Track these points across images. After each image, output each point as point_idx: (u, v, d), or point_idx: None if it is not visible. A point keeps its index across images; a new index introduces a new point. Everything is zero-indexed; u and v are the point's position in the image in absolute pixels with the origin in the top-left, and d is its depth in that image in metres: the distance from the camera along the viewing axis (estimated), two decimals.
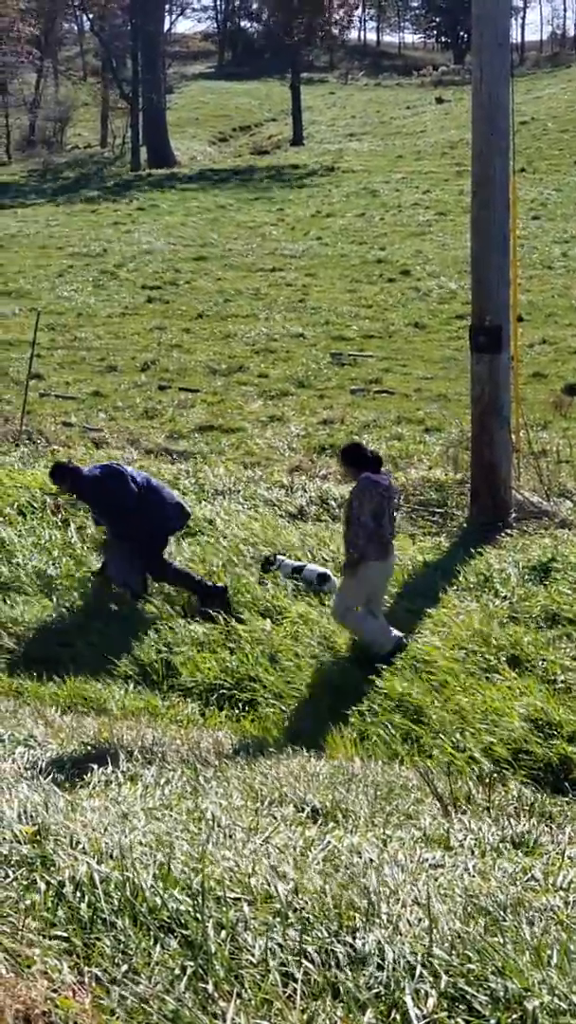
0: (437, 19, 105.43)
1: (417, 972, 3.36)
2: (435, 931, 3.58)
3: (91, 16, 64.64)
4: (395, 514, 10.25)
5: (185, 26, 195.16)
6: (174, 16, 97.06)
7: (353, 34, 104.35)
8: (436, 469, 15.09)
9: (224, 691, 9.63)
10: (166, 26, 66.81)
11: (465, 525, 13.52)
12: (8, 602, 11.29)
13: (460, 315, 24.79)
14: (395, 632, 10.06)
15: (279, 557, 11.89)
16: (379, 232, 34.50)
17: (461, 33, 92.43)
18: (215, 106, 74.50)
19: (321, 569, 11.68)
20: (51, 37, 71.60)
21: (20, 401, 18.37)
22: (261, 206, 40.40)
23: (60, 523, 13.01)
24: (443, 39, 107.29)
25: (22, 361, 20.94)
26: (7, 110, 62.03)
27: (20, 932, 3.38)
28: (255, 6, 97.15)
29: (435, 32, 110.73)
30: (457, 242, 32.14)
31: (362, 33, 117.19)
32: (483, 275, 13.14)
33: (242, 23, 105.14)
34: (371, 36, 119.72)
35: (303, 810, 5.50)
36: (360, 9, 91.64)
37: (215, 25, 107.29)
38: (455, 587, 11.60)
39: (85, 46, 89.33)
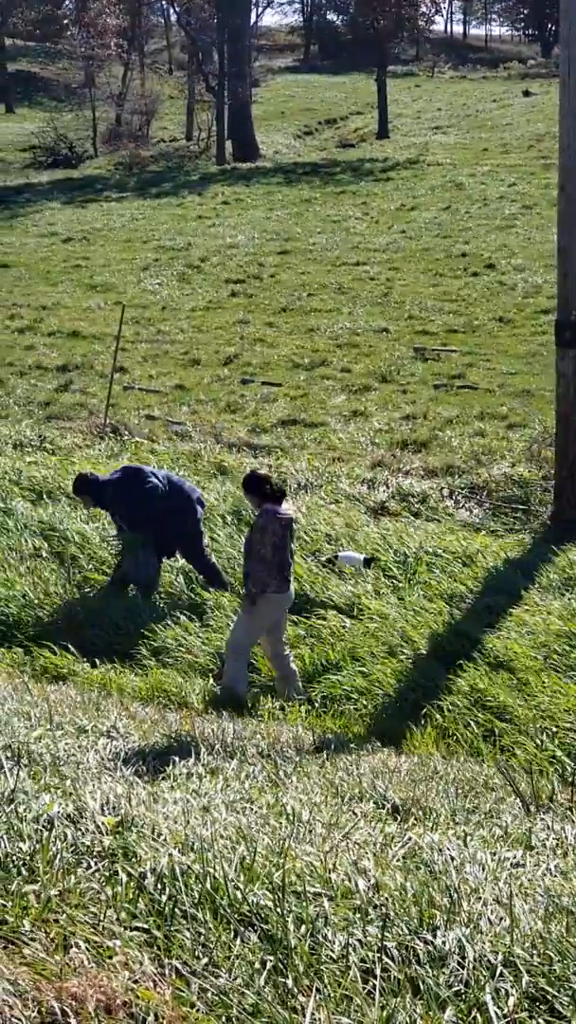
0: (524, 11, 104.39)
1: (498, 971, 3.34)
2: (516, 930, 3.56)
3: (178, 9, 64.89)
4: (293, 546, 9.96)
5: (272, 19, 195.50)
6: (260, 9, 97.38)
7: (440, 27, 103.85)
8: (519, 466, 14.99)
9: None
10: (252, 19, 66.87)
11: (548, 523, 13.43)
12: (92, 596, 11.40)
13: (545, 310, 24.55)
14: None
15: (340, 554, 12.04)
16: (464, 225, 34.26)
17: (549, 26, 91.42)
18: (301, 100, 74.40)
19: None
20: (138, 30, 71.96)
21: (105, 394, 18.51)
22: (345, 200, 40.27)
23: None
24: (530, 31, 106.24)
25: (107, 354, 21.09)
26: (94, 103, 62.33)
27: (102, 923, 3.41)
28: None
29: (522, 24, 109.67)
30: (543, 236, 31.82)
31: (449, 26, 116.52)
32: (570, 269, 13.03)
33: (328, 16, 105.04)
34: (458, 29, 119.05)
35: (383, 806, 5.50)
36: (447, 2, 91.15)
37: (301, 18, 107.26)
38: (537, 585, 11.53)
39: (172, 39, 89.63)
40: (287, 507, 9.81)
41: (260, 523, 9.69)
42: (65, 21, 75.60)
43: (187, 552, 11.74)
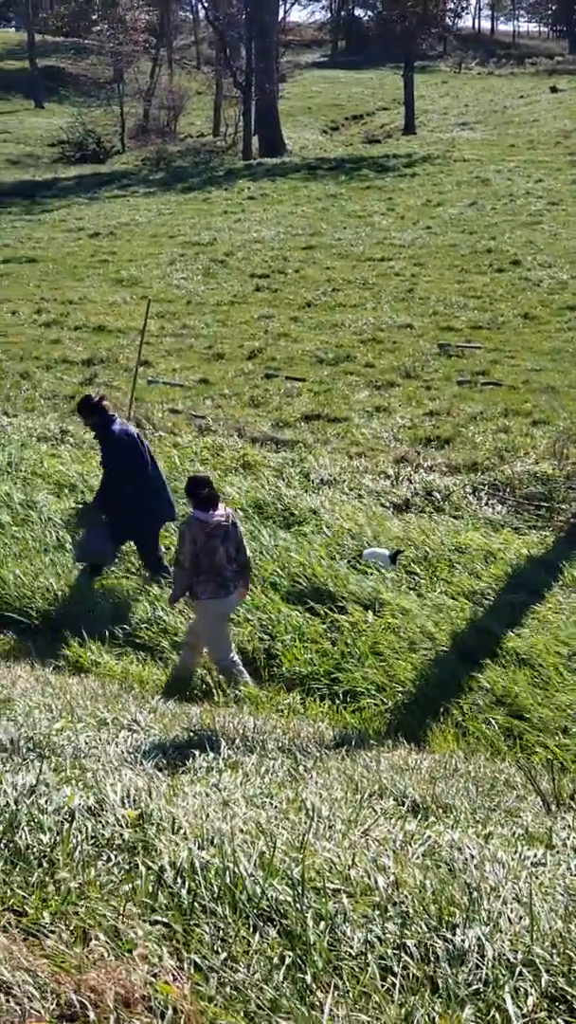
0: (552, 7, 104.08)
1: (517, 970, 3.34)
2: (536, 929, 3.56)
3: (206, 5, 64.94)
4: (232, 551, 9.71)
5: (299, 15, 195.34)
6: (288, 5, 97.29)
7: (467, 23, 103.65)
8: (543, 463, 14.92)
9: (325, 682, 9.64)
10: (280, 15, 66.79)
11: (572, 520, 13.38)
12: (114, 588, 11.43)
13: (571, 306, 24.49)
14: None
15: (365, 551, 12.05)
16: (489, 221, 34.14)
17: None
18: (327, 95, 74.33)
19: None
20: (166, 26, 72.01)
21: (129, 388, 18.53)
22: (371, 195, 40.21)
23: None
24: (558, 27, 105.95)
25: (131, 348, 21.11)
26: (122, 99, 62.44)
27: (121, 916, 3.41)
28: None
29: (550, 20, 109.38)
30: (569, 232, 31.75)
31: (476, 22, 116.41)
32: None
33: (355, 12, 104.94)
34: (485, 24, 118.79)
35: (403, 803, 5.49)
36: None
37: (329, 14, 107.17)
38: (560, 582, 11.49)
39: (200, 35, 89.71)
40: (219, 513, 9.67)
41: (180, 532, 9.76)
42: (94, 17, 75.68)
43: (142, 543, 11.86)
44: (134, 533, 11.77)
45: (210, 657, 9.88)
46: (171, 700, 9.13)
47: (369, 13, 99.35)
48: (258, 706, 8.96)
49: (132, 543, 11.92)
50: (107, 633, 10.49)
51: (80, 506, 12.81)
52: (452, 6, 66.06)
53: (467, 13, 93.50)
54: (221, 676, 9.66)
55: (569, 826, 5.31)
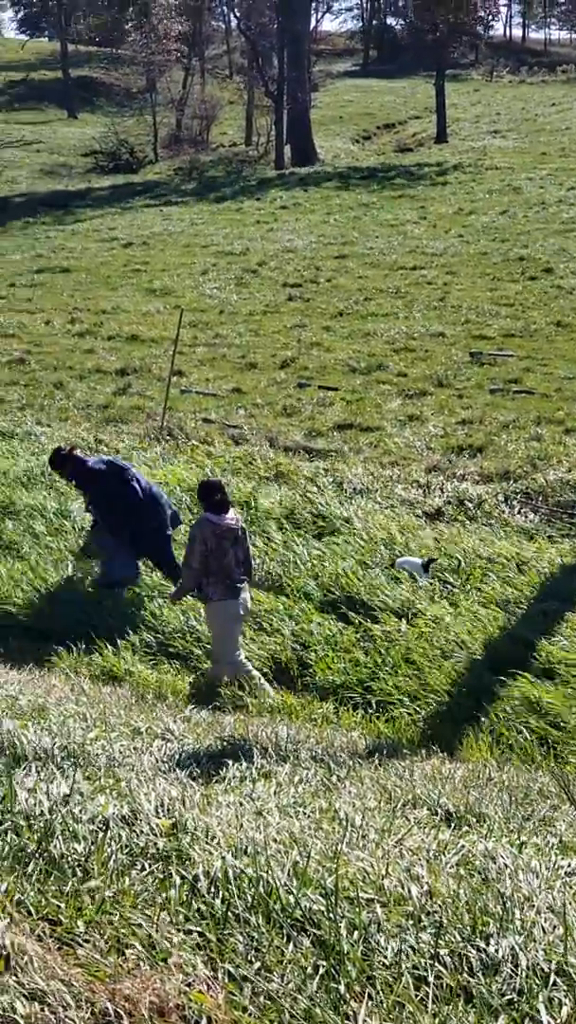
0: None
1: (551, 980, 3.33)
2: (570, 939, 3.55)
3: (238, 15, 65.14)
4: (240, 556, 9.96)
5: (331, 24, 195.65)
6: (320, 14, 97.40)
7: (499, 31, 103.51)
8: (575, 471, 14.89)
9: (358, 691, 9.64)
10: (312, 24, 66.97)
11: None
12: (148, 598, 11.45)
13: None
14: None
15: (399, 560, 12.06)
16: (522, 229, 34.09)
17: None
18: (359, 104, 74.43)
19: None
20: (199, 36, 72.27)
21: (162, 397, 18.60)
22: (403, 204, 40.23)
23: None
24: None
25: (164, 358, 21.20)
26: (155, 109, 62.73)
27: (155, 925, 3.43)
28: (401, 3, 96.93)
29: None
30: None
31: (507, 30, 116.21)
32: None
33: (387, 21, 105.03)
34: (516, 32, 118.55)
35: (437, 813, 5.48)
36: (508, 7, 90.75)
37: (360, 23, 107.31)
38: None
39: (232, 45, 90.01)
40: (230, 517, 9.90)
41: (191, 532, 9.96)
42: (127, 27, 76.09)
43: (157, 557, 11.87)
44: (149, 550, 11.79)
45: (213, 655, 10.03)
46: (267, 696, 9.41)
47: (401, 22, 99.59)
48: (291, 715, 8.96)
49: (149, 559, 11.93)
50: (140, 642, 10.52)
51: (86, 538, 12.68)
52: (483, 14, 65.81)
53: (498, 19, 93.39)
54: (214, 675, 9.76)
55: None
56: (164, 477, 14.40)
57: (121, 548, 11.59)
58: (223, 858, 3.89)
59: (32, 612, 11.28)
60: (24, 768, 5.11)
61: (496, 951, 3.44)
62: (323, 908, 3.59)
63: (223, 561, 9.74)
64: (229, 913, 3.54)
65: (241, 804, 4.90)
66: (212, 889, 3.69)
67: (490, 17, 70.60)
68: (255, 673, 9.79)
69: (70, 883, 3.65)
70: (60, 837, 3.99)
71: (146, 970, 3.19)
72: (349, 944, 3.41)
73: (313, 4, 67.64)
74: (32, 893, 3.58)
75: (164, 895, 3.63)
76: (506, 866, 4.23)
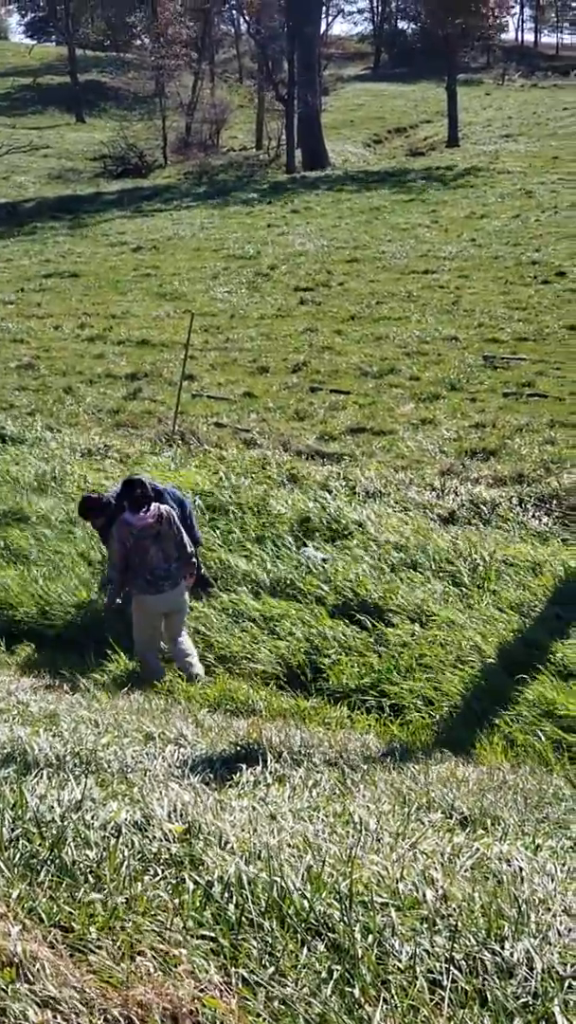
0: None
1: (567, 983, 3.31)
2: None
3: (248, 18, 65.15)
4: (170, 550, 10.06)
5: (342, 28, 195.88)
6: (331, 18, 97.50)
7: (510, 35, 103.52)
8: None
9: (372, 695, 9.61)
10: (323, 28, 66.99)
11: None
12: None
13: None
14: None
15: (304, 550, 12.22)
16: (534, 233, 34.01)
17: None
18: (370, 108, 74.44)
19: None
20: (208, 40, 72.31)
21: (173, 402, 18.60)
22: (415, 208, 40.18)
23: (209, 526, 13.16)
24: None
25: (175, 362, 21.19)
26: (164, 113, 62.77)
27: (168, 931, 3.41)
28: (413, 6, 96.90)
29: None
30: None
31: (519, 34, 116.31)
32: None
33: (398, 25, 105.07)
34: (528, 37, 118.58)
35: (451, 816, 5.46)
36: (518, 11, 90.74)
37: (371, 27, 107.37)
38: None
39: (242, 48, 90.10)
40: (149, 514, 9.97)
41: (112, 531, 10.28)
42: (136, 30, 76.17)
43: None
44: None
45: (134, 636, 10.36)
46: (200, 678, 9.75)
47: (412, 26, 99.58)
48: (304, 719, 8.94)
49: None
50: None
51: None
52: (493, 19, 65.74)
53: (512, 15, 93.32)
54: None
55: None
56: (177, 482, 14.38)
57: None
58: (236, 863, 3.87)
59: (42, 618, 11.28)
60: (35, 775, 5.09)
61: (511, 954, 3.42)
62: (337, 912, 3.57)
63: (144, 558, 9.91)
64: (243, 918, 3.52)
65: (254, 808, 4.87)
66: (225, 894, 3.67)
67: (501, 21, 70.39)
68: (164, 676, 10.04)
69: (82, 890, 3.63)
70: (72, 843, 3.97)
71: (159, 976, 3.17)
72: (363, 948, 3.38)
73: (324, 8, 67.61)
74: (44, 900, 3.56)
75: (177, 900, 3.61)
76: (521, 869, 4.20)
